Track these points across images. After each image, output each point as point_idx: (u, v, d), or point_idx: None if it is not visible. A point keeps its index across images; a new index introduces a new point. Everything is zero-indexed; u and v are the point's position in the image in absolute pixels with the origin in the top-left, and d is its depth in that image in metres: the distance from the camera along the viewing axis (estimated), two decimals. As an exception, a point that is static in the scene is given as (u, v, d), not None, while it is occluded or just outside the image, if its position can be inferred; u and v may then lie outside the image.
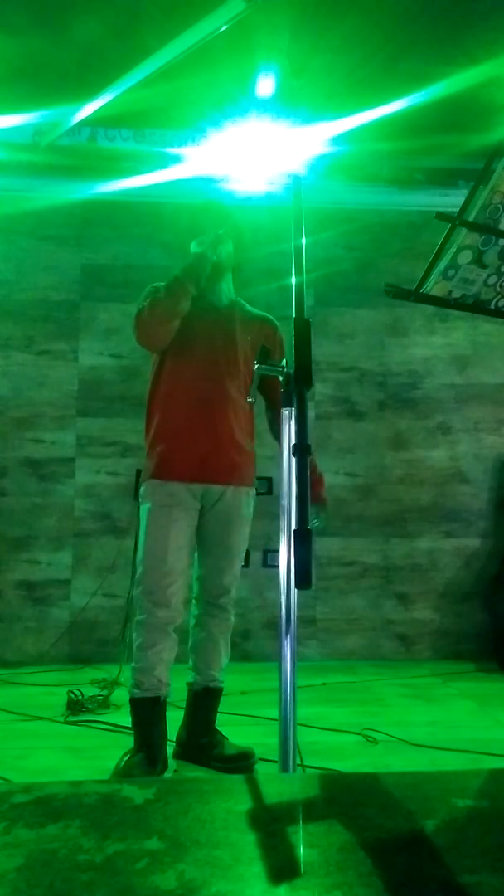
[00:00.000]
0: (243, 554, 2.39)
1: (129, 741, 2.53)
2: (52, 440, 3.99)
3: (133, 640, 2.23)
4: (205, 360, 2.27)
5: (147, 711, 2.19)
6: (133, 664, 2.22)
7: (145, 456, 2.34)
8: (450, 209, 1.74)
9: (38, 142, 3.65)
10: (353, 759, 2.38)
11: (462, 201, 1.69)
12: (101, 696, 3.01)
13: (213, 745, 2.31)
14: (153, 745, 2.16)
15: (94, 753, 2.45)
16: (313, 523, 2.20)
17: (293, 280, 1.41)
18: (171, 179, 3.77)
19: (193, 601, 2.35)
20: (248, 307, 2.44)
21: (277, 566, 1.46)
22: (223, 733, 2.37)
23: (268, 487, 3.43)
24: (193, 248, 2.33)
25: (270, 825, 0.84)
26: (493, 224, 1.73)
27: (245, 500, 2.34)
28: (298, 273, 1.41)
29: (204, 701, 2.32)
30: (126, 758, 2.17)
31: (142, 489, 2.31)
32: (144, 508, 2.27)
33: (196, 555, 2.34)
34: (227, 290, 2.39)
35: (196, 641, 2.33)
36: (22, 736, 2.64)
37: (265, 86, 3.28)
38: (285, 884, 0.71)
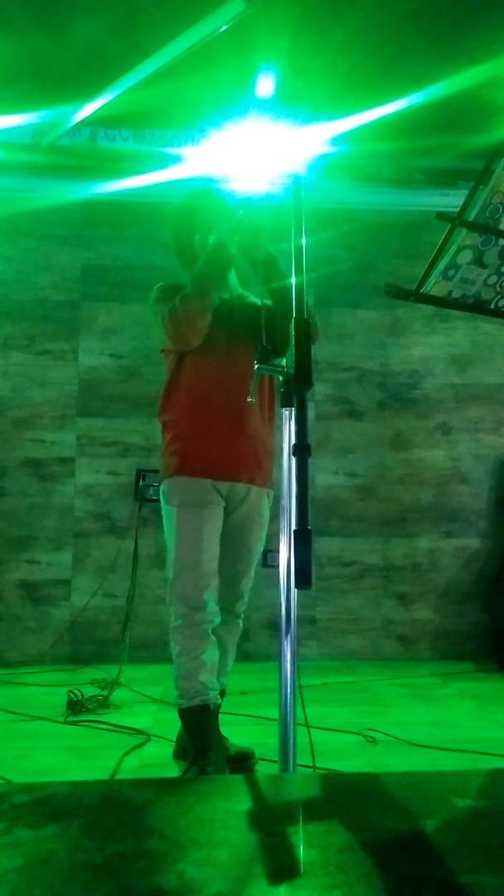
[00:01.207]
0: (259, 557, 2.33)
1: (128, 741, 2.54)
2: (52, 440, 4.00)
3: (171, 649, 2.15)
4: (225, 355, 2.20)
5: (196, 720, 2.09)
6: (174, 673, 2.13)
7: (162, 453, 2.26)
8: (450, 209, 1.74)
9: (38, 142, 3.65)
10: (353, 759, 2.38)
11: (462, 201, 1.69)
12: (101, 696, 3.02)
13: None
14: (208, 755, 2.05)
15: (94, 753, 2.45)
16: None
17: (293, 280, 1.40)
18: (171, 179, 3.77)
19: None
20: (252, 297, 2.37)
21: (277, 566, 1.46)
22: (223, 733, 2.34)
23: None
24: (198, 240, 2.27)
25: (270, 825, 0.84)
26: (493, 224, 1.73)
27: (265, 502, 2.28)
28: (298, 273, 1.41)
29: None
30: (186, 771, 2.07)
31: (164, 487, 2.24)
32: (171, 508, 2.20)
33: (223, 561, 2.25)
34: (233, 281, 2.35)
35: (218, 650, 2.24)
36: (22, 736, 2.64)
37: (265, 86, 3.28)
38: (285, 884, 0.71)
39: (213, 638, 2.14)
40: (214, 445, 2.18)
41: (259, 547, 2.30)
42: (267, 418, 2.30)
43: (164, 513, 2.25)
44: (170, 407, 2.29)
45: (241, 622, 2.34)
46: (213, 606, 2.15)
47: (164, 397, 2.31)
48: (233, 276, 2.34)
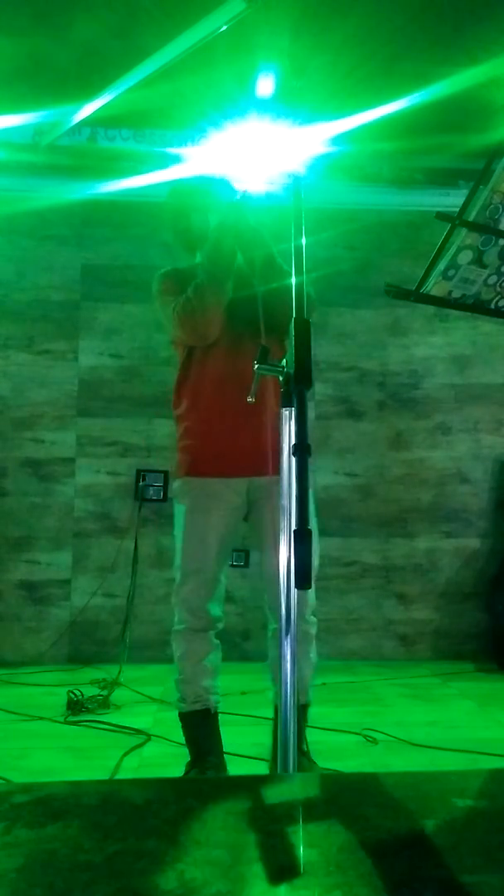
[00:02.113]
0: (317, 550, 2.15)
1: (128, 741, 2.54)
2: (52, 440, 3.99)
3: (173, 651, 2.12)
4: (233, 346, 2.10)
5: (196, 725, 2.08)
6: (176, 676, 2.11)
7: (176, 449, 2.20)
8: (450, 209, 1.74)
9: (38, 142, 3.65)
10: (353, 759, 2.38)
11: (462, 201, 1.69)
12: (101, 696, 3.02)
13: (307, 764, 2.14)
14: (207, 759, 2.05)
15: (94, 753, 2.45)
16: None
17: (293, 280, 1.40)
18: (171, 179, 3.77)
19: (268, 613, 2.17)
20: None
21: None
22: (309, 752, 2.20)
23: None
24: (195, 220, 2.19)
25: (270, 825, 0.84)
26: (493, 224, 1.73)
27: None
28: (298, 273, 1.41)
29: None
30: (184, 774, 2.07)
31: (175, 486, 2.18)
32: (180, 509, 2.13)
33: (262, 559, 2.15)
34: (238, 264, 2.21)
35: (274, 658, 2.15)
36: (22, 736, 2.64)
37: (265, 86, 3.27)
38: (285, 884, 0.71)
39: (216, 642, 2.12)
40: (225, 441, 2.08)
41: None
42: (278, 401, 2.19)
43: (174, 512, 2.19)
44: (180, 401, 2.20)
45: (311, 628, 2.17)
46: (217, 612, 2.10)
47: (175, 391, 2.23)
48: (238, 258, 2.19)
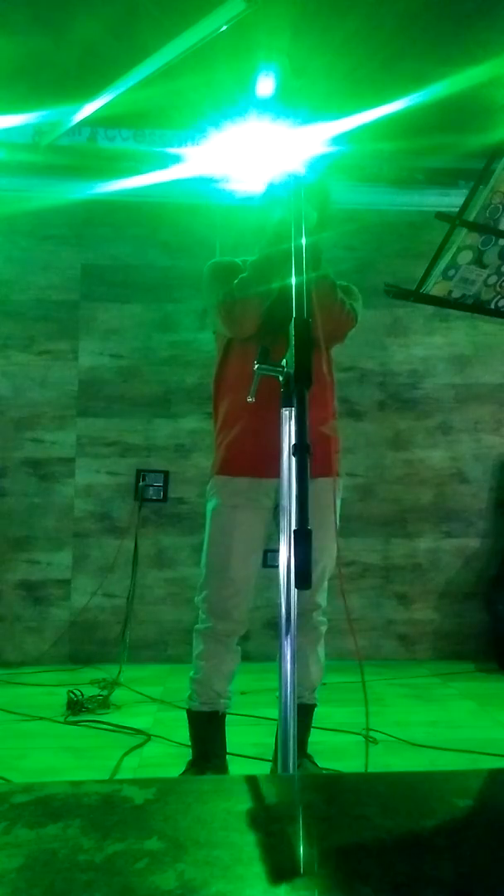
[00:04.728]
0: (334, 552, 2.18)
1: (128, 741, 2.54)
2: (52, 440, 3.99)
3: (193, 647, 2.14)
4: (270, 343, 2.05)
5: (204, 725, 2.11)
6: (191, 674, 2.13)
7: (214, 448, 2.20)
8: (450, 209, 1.74)
9: (38, 142, 3.65)
10: (353, 759, 2.38)
11: (462, 201, 1.69)
12: (101, 696, 3.02)
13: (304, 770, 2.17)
14: (210, 758, 2.09)
15: (94, 753, 2.45)
16: None
17: (293, 280, 1.40)
18: (171, 179, 3.77)
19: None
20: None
21: (277, 566, 1.46)
22: (310, 754, 2.24)
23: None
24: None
25: (270, 825, 0.84)
26: (493, 224, 1.73)
27: (328, 490, 2.11)
28: (298, 273, 1.41)
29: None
30: (185, 771, 2.10)
31: (209, 484, 2.19)
32: (210, 506, 2.14)
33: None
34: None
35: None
36: (22, 736, 2.64)
37: (265, 86, 3.27)
38: (285, 884, 0.71)
39: (236, 648, 2.13)
40: (254, 440, 2.06)
41: (327, 538, 2.12)
42: (320, 402, 2.17)
43: (206, 509, 2.19)
44: (217, 397, 2.20)
45: (321, 626, 2.20)
46: (240, 616, 2.10)
47: (213, 386, 2.23)
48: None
